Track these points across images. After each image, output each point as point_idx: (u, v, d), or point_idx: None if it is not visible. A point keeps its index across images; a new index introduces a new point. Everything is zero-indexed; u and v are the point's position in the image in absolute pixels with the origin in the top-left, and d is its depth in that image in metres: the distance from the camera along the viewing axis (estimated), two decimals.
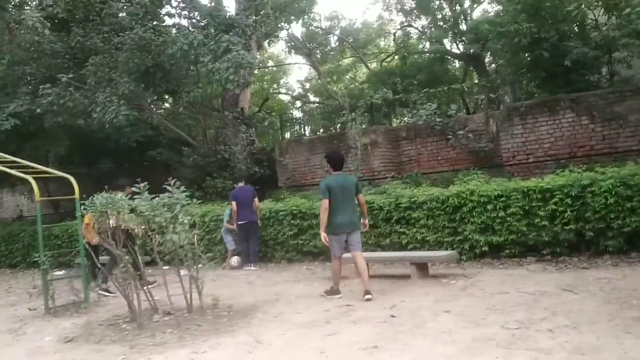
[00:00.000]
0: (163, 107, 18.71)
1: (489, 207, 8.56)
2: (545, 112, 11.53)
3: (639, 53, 12.96)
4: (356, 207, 7.21)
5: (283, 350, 4.87)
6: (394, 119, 17.59)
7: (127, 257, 6.42)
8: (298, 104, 29.08)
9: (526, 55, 14.10)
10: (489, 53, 20.25)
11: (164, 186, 6.65)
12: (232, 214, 10.78)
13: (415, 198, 9.34)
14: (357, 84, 27.40)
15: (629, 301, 5.52)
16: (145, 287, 6.70)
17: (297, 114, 24.72)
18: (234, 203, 10.67)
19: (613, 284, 6.42)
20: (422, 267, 8.01)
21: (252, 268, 10.39)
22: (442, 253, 8.20)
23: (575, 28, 14.33)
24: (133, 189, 6.67)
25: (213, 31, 13.54)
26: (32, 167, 8.85)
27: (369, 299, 6.60)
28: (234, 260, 10.79)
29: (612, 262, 7.65)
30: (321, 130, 19.14)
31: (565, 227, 8.03)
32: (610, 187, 7.68)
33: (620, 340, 4.32)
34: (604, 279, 6.73)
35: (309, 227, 10.25)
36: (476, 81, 20.70)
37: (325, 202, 6.86)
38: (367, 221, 7.42)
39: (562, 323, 4.93)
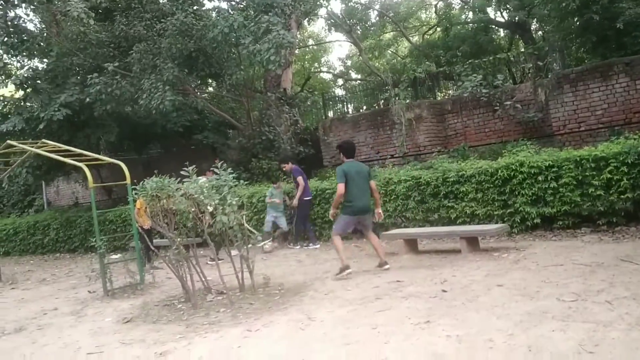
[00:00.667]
0: (207, 91, 18.95)
1: (540, 178, 8.35)
2: (597, 78, 11.09)
3: None
4: (369, 193, 7.45)
5: (335, 326, 4.91)
6: (439, 93, 17.27)
7: (178, 239, 6.55)
8: (340, 81, 28.92)
9: (575, 19, 13.59)
10: (535, 20, 19.60)
11: (211, 169, 6.75)
12: (297, 189, 10.64)
13: (463, 172, 9.18)
14: (399, 58, 26.98)
15: None
16: (198, 268, 6.83)
17: (339, 92, 24.60)
18: (301, 178, 10.64)
19: None
20: (472, 241, 7.91)
21: (316, 246, 10.43)
22: (492, 226, 8.05)
23: None
24: (182, 172, 6.79)
25: (252, 12, 13.55)
26: (85, 155, 9.13)
27: (387, 269, 7.22)
28: (268, 245, 10.73)
29: None
30: (364, 107, 18.99)
31: (622, 196, 7.76)
32: None
33: None
34: None
35: None
36: (522, 49, 20.04)
37: (342, 187, 7.13)
38: (380, 210, 7.66)
39: (622, 294, 4.78)
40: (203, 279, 6.94)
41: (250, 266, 6.87)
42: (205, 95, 18.15)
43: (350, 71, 29.96)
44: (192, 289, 6.60)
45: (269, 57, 11.89)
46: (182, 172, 6.81)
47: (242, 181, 7.19)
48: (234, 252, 7.03)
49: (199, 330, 5.41)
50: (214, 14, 14.78)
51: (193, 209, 6.62)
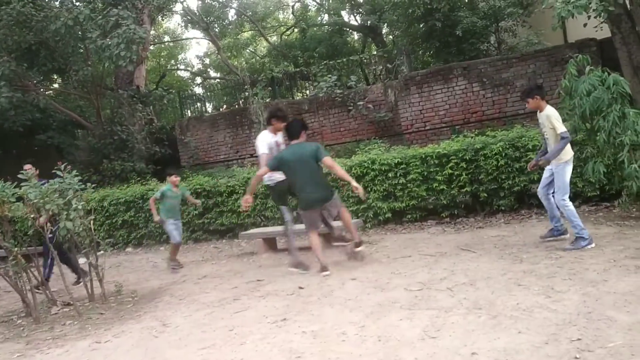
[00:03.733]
0: (51, 87, 17.57)
1: (390, 174, 8.79)
2: (440, 80, 11.94)
3: (523, 22, 13.71)
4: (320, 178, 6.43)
5: (191, 331, 4.78)
6: (297, 92, 17.57)
7: (15, 249, 5.99)
8: (198, 80, 28.33)
9: (420, 25, 14.49)
10: (386, 24, 20.63)
11: (53, 171, 6.26)
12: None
13: None
14: (258, 58, 27.05)
15: (520, 256, 5.89)
16: (46, 281, 6.30)
17: (198, 90, 24.08)
18: None
19: (506, 240, 6.82)
20: (328, 238, 8.10)
21: None
22: None
23: None
24: (19, 175, 6.22)
25: (100, 5, 12.81)
26: None
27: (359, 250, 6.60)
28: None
29: (505, 220, 8.13)
30: (224, 106, 18.78)
31: (462, 190, 8.42)
32: (501, 149, 8.13)
33: (513, 292, 4.60)
34: (498, 236, 7.14)
35: (214, 205, 10.09)
36: (374, 52, 21.05)
37: (263, 170, 6.42)
38: (356, 183, 6.31)
39: (461, 281, 5.17)
40: (47, 291, 6.42)
41: (100, 274, 6.47)
42: (49, 92, 16.82)
43: (208, 69, 29.47)
44: (33, 301, 6.07)
45: (119, 53, 11.32)
46: (19, 175, 6.24)
47: (89, 184, 6.74)
48: (81, 260, 6.59)
49: (41, 346, 4.98)
50: (57, 4, 13.74)
51: (33, 216, 6.09)
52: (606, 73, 6.70)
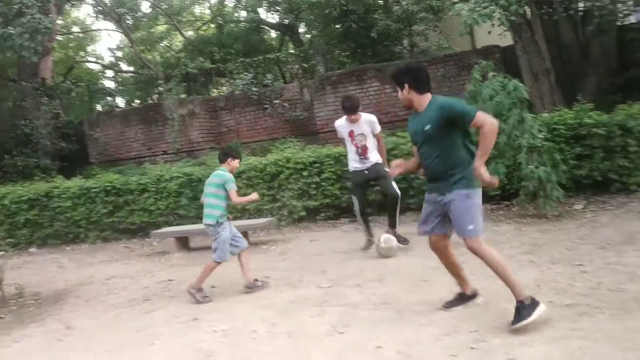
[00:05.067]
0: None
1: (304, 173, 8.89)
2: (354, 81, 12.19)
3: (434, 27, 14.26)
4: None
5: (97, 333, 4.65)
6: (213, 89, 17.35)
7: None
8: (109, 73, 27.28)
9: (337, 26, 14.76)
10: (304, 24, 20.75)
11: None
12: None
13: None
14: (173, 52, 26.39)
15: (429, 252, 6.13)
16: None
17: (109, 84, 23.22)
18: None
19: (416, 238, 7.05)
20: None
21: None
22: (261, 220, 8.35)
23: (380, 1, 15.30)
24: None
25: None
26: None
27: None
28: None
29: (415, 218, 8.41)
30: (137, 101, 18.25)
31: (373, 189, 8.63)
32: (410, 149, 8.40)
33: (419, 287, 4.81)
34: (407, 233, 7.37)
35: (125, 204, 9.79)
36: (291, 51, 21.13)
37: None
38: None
39: (370, 277, 5.34)
40: None
41: None
42: None
43: (120, 63, 28.41)
44: None
45: (23, 43, 10.73)
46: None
47: None
48: None
49: None
50: None
51: None
52: (507, 79, 7.12)
